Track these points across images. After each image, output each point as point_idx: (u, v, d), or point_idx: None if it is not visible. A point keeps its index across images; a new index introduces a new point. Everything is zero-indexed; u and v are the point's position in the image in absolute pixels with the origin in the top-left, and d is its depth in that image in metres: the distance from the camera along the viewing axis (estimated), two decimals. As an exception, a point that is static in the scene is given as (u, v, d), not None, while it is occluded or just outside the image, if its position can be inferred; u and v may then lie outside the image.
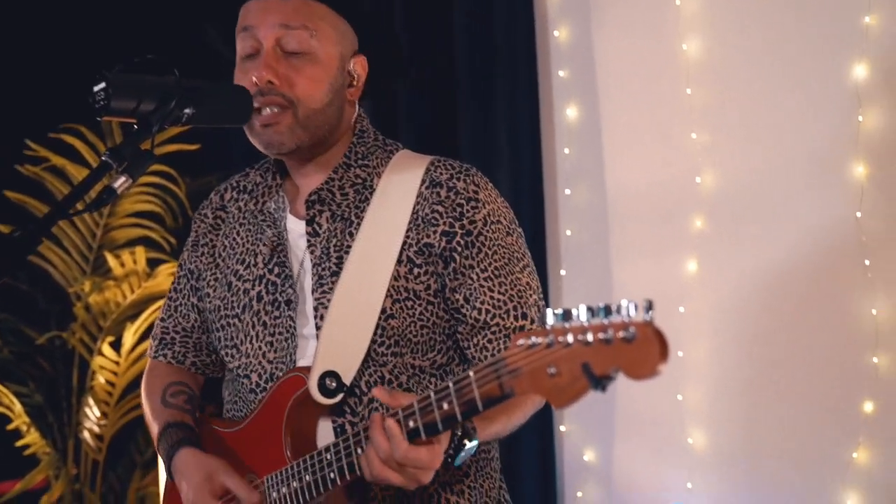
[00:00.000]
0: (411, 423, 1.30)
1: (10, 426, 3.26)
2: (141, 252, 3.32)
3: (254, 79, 1.54)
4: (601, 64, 2.84)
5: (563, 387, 1.10)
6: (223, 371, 1.76)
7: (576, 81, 2.91)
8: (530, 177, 2.93)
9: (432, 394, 1.28)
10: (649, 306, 1.04)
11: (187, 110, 1.39)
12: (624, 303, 1.04)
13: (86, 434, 3.38)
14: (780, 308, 2.54)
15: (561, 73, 2.94)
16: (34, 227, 1.27)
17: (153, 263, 3.39)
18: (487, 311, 1.54)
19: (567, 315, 1.09)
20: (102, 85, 1.34)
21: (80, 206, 1.33)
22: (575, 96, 2.91)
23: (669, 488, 2.72)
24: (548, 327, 1.11)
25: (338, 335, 1.52)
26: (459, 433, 1.36)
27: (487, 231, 1.56)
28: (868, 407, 2.38)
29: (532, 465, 2.95)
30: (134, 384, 3.40)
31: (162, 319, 1.80)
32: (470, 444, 1.36)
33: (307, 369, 1.51)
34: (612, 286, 2.83)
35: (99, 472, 3.44)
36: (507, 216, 1.61)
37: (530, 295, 1.57)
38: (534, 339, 1.13)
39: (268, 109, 1.54)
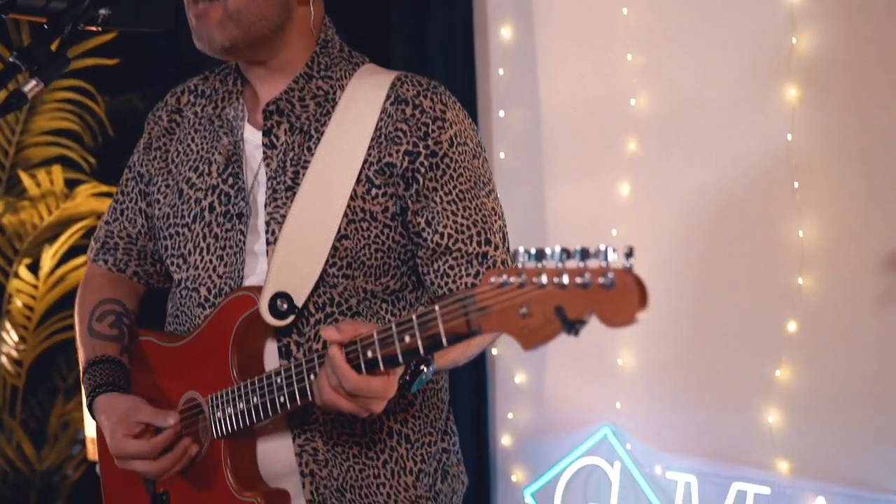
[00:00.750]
0: (370, 354, 1.26)
1: (-77, 352, 3.15)
2: (58, 171, 3.19)
3: None
4: (537, -18, 2.79)
5: (533, 328, 1.07)
6: (167, 282, 1.70)
7: (511, 1, 2.85)
8: (464, 98, 2.84)
9: (394, 325, 1.23)
10: (630, 252, 1.00)
11: (102, 10, 1.29)
12: (602, 247, 1.01)
13: (3, 359, 3.28)
14: (710, 229, 2.57)
15: (496, -8, 2.88)
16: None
17: (71, 184, 3.25)
18: (450, 236, 1.48)
19: (540, 255, 1.06)
20: None
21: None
22: (510, 16, 2.85)
23: (599, 408, 2.77)
24: (520, 266, 1.08)
25: (291, 255, 1.46)
26: (415, 360, 1.32)
27: (453, 153, 1.49)
28: (791, 326, 2.44)
29: (464, 388, 2.97)
30: (54, 308, 3.30)
31: (107, 222, 1.72)
32: (427, 371, 1.33)
33: (258, 289, 1.46)
34: (546, 209, 2.82)
35: (19, 397, 3.36)
36: (474, 138, 1.55)
37: (495, 220, 1.52)
38: (505, 277, 1.09)
39: (200, 4, 1.47)
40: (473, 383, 2.97)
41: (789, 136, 2.40)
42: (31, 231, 3.22)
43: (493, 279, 1.11)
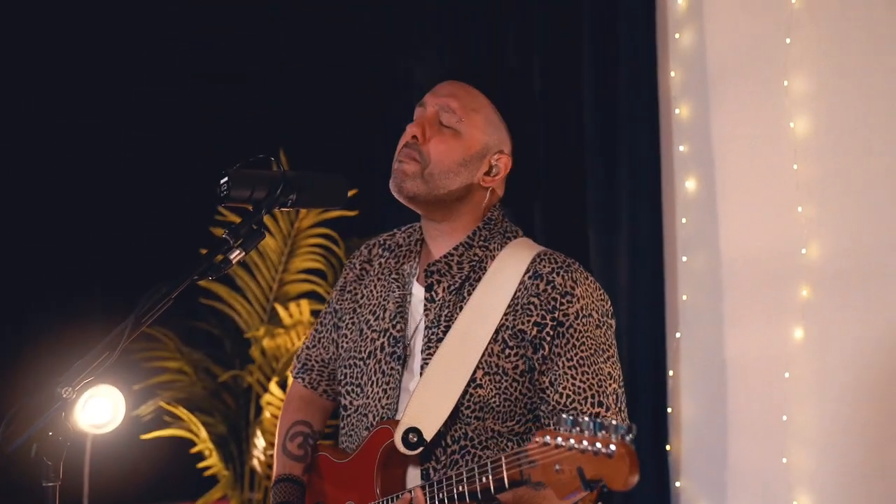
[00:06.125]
0: (461, 488, 1.58)
1: (195, 449, 3.76)
2: (305, 304, 3.77)
3: (408, 130, 1.84)
4: (717, 140, 3.01)
5: (564, 482, 1.35)
6: None
7: (695, 156, 3.08)
8: (649, 245, 3.12)
9: (476, 467, 1.55)
10: (629, 430, 1.29)
11: (291, 196, 1.66)
12: (614, 422, 1.30)
13: (256, 462, 3.83)
14: (884, 375, 2.59)
15: (681, 148, 3.13)
16: (171, 286, 1.56)
17: (317, 314, 3.82)
18: (568, 396, 1.74)
19: (576, 423, 1.35)
20: (225, 179, 1.63)
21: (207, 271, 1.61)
22: (693, 170, 3.08)
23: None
24: (561, 430, 1.36)
25: (428, 395, 1.77)
26: None
27: (578, 324, 1.76)
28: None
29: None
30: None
31: (307, 346, 2.10)
32: None
33: (396, 423, 1.78)
34: (724, 349, 2.95)
35: (269, 497, 3.86)
36: (601, 309, 1.80)
37: (609, 384, 1.76)
38: (548, 438, 1.39)
39: (404, 153, 1.82)
40: (656, 515, 3.09)
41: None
42: (284, 354, 3.80)
43: (537, 438, 1.39)
